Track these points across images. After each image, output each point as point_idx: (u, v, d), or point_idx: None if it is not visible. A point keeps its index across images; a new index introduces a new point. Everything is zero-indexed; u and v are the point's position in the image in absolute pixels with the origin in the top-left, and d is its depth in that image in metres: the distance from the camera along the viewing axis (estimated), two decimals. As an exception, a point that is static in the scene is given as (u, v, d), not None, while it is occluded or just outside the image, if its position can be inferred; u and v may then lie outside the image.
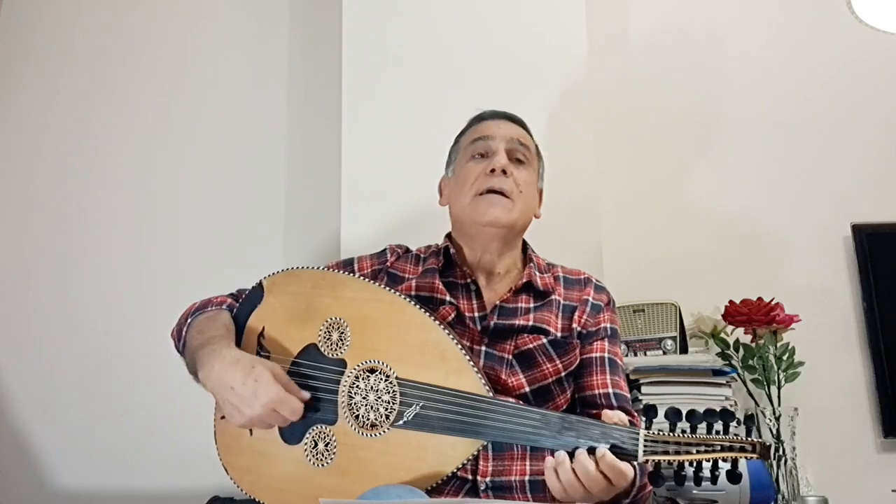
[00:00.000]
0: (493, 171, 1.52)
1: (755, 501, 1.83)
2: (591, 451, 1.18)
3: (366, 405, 1.34)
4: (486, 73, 2.27)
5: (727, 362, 2.17)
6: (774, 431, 2.07)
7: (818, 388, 2.23)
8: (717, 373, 2.03)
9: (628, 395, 1.53)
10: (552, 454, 1.38)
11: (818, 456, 2.14)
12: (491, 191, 1.51)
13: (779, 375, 2.15)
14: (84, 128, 2.57)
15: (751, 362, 2.17)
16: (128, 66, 2.63)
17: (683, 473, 1.18)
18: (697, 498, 1.83)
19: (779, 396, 2.13)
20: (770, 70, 2.62)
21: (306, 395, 1.35)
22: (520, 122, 1.64)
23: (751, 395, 2.18)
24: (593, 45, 2.37)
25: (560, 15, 2.34)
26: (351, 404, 1.35)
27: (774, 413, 2.08)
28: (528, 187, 1.56)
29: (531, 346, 1.48)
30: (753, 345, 2.18)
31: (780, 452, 2.04)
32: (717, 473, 1.18)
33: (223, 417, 1.39)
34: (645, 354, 2.19)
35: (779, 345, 2.18)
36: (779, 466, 2.04)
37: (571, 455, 1.19)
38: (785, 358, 2.16)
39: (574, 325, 1.53)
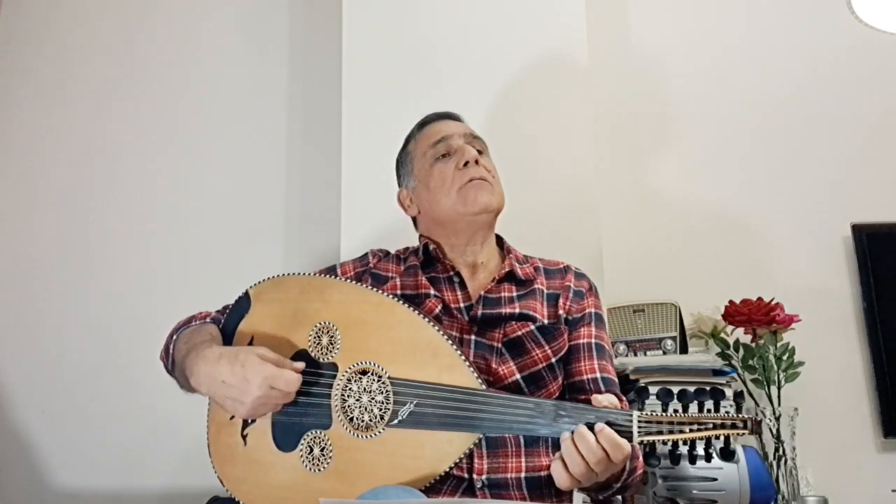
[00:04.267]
0: (466, 163, 1.55)
1: (755, 501, 1.83)
2: (590, 428, 1.19)
3: (360, 407, 1.34)
4: (486, 73, 2.27)
5: (727, 362, 2.17)
6: (774, 431, 2.06)
7: (818, 388, 2.23)
8: (717, 373, 2.03)
9: (616, 379, 1.55)
10: (549, 449, 1.39)
11: (818, 456, 2.13)
12: (472, 180, 1.54)
13: (779, 375, 2.15)
14: (85, 129, 2.58)
15: (751, 362, 2.17)
16: (126, 69, 2.63)
17: (678, 452, 1.19)
18: (697, 498, 1.83)
19: (779, 396, 2.13)
20: (771, 71, 2.61)
21: (300, 364, 1.35)
22: (460, 118, 1.70)
23: (751, 395, 2.18)
24: (593, 46, 2.37)
25: (560, 16, 2.34)
26: (345, 407, 1.35)
27: (774, 413, 2.08)
28: (495, 171, 1.61)
29: (519, 333, 1.49)
30: (753, 345, 2.18)
31: (780, 452, 2.04)
32: (710, 451, 1.19)
33: (232, 418, 1.39)
34: (645, 354, 2.19)
35: (779, 345, 2.17)
36: (779, 466, 2.04)
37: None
38: (785, 358, 2.16)
39: (560, 312, 1.55)
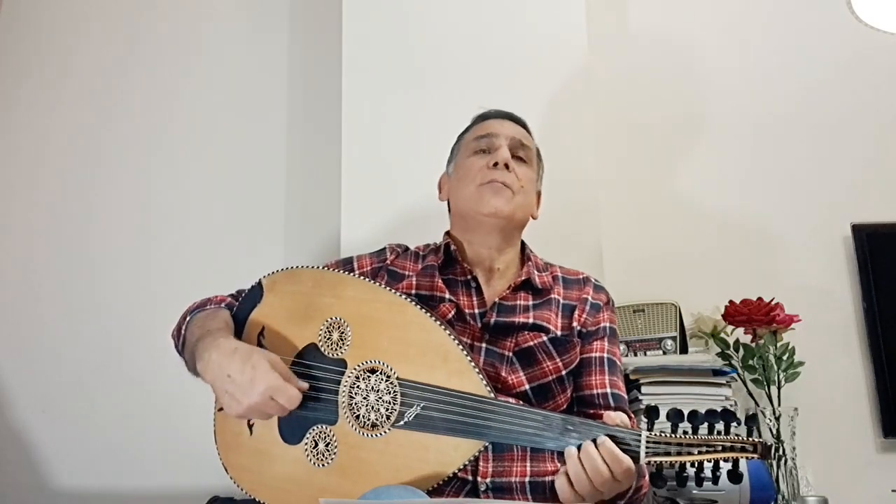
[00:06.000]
0: (496, 164, 1.53)
1: (755, 501, 1.83)
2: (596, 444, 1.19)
3: (366, 405, 1.34)
4: (486, 72, 2.27)
5: (727, 362, 2.17)
6: (774, 431, 2.07)
7: (818, 388, 2.24)
8: (717, 373, 2.03)
9: (626, 396, 1.54)
10: (554, 456, 1.39)
11: (818, 456, 2.14)
12: (493, 182, 1.52)
13: (779, 375, 2.15)
14: (85, 127, 2.57)
15: (751, 362, 2.17)
16: (128, 68, 2.63)
17: (685, 474, 1.19)
18: (697, 498, 1.83)
19: (779, 396, 2.13)
20: (771, 68, 2.62)
21: (304, 385, 1.35)
22: (522, 123, 1.67)
23: (751, 395, 2.18)
24: (593, 45, 2.37)
25: (560, 14, 2.34)
26: (351, 404, 1.35)
27: (774, 413, 2.08)
28: (528, 184, 1.58)
29: (531, 343, 1.48)
30: (753, 345, 2.18)
31: (780, 452, 2.04)
32: (718, 474, 1.19)
33: (221, 409, 1.39)
34: (645, 354, 2.19)
35: (779, 345, 2.18)
36: (779, 466, 2.04)
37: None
38: (785, 358, 2.16)
39: (574, 324, 1.54)
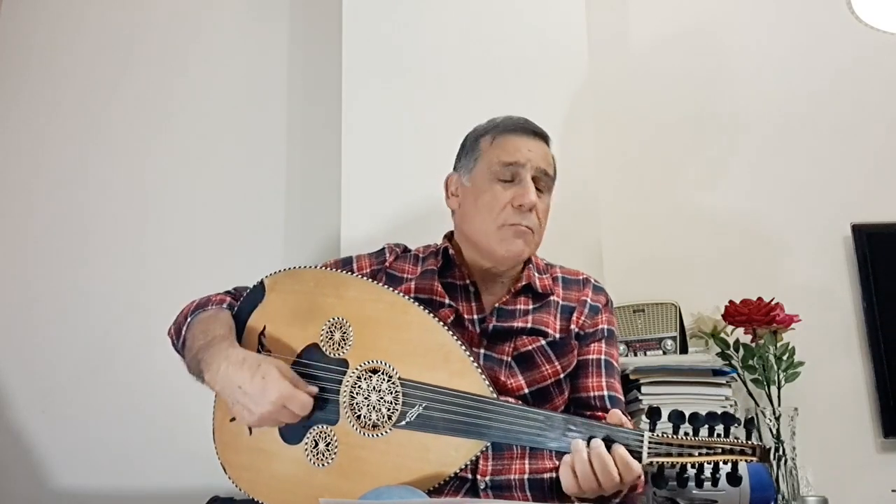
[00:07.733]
0: (521, 206, 1.48)
1: (755, 501, 1.83)
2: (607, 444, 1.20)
3: (368, 405, 1.34)
4: (486, 73, 2.27)
5: (727, 362, 2.17)
6: (774, 431, 2.07)
7: (818, 388, 2.24)
8: (717, 373, 2.03)
9: (622, 398, 1.54)
10: (552, 453, 1.39)
11: (818, 456, 2.13)
12: (517, 226, 1.48)
13: (779, 375, 2.15)
14: (84, 127, 2.56)
15: (751, 362, 2.17)
16: (127, 67, 2.62)
17: (686, 475, 1.20)
18: (698, 498, 1.83)
19: (779, 396, 2.13)
20: (770, 70, 2.62)
21: (314, 389, 1.35)
22: (546, 139, 1.60)
23: (751, 395, 2.18)
24: (593, 46, 2.37)
25: (560, 16, 2.34)
26: (353, 404, 1.35)
27: (774, 413, 2.08)
28: (545, 215, 1.54)
29: (530, 347, 1.49)
30: (753, 345, 2.18)
31: (780, 452, 2.04)
32: (717, 476, 1.19)
33: (233, 419, 1.39)
34: (645, 354, 2.19)
35: (779, 345, 2.18)
36: (779, 466, 2.04)
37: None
38: (785, 358, 2.16)
39: (572, 327, 1.54)
